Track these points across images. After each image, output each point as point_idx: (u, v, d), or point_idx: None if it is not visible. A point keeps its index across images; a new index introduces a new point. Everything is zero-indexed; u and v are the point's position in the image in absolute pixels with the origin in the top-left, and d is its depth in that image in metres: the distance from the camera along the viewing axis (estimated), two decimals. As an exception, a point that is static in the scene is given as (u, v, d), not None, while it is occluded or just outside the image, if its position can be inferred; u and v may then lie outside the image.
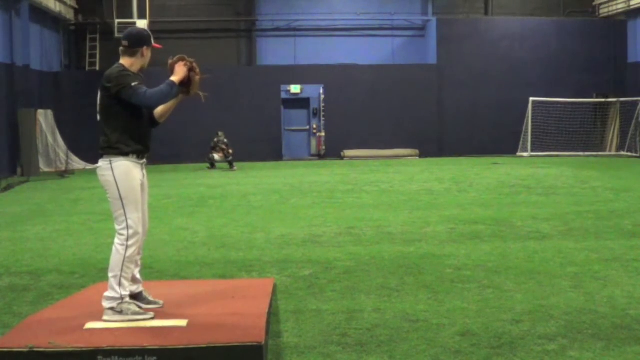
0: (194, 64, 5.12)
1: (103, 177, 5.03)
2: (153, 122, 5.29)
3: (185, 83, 5.08)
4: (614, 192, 14.24)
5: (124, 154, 4.99)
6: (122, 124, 5.01)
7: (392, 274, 7.26)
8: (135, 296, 5.14)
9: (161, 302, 5.25)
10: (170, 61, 5.07)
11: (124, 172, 4.97)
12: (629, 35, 27.88)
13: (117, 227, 5.03)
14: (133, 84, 4.94)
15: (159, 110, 5.24)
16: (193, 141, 25.38)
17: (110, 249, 5.10)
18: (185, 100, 5.41)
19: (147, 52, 5.20)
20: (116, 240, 5.00)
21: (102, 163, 5.03)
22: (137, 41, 5.16)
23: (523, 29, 27.89)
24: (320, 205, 13.04)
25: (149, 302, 5.21)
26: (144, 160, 5.16)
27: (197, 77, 5.13)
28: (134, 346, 4.31)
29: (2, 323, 5.68)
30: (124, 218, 4.97)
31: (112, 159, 4.99)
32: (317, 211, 12.26)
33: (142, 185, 5.14)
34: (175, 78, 5.00)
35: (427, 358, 4.78)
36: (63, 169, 22.90)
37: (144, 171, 5.19)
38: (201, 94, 5.22)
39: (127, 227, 4.96)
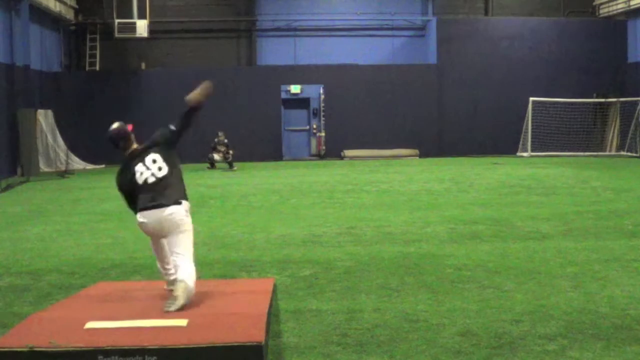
0: None
1: (180, 218, 5.67)
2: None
3: None
4: (614, 192, 14.24)
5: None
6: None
7: (392, 274, 7.26)
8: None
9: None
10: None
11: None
12: (629, 35, 27.87)
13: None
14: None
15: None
16: (193, 141, 25.32)
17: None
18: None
19: (125, 144, 5.78)
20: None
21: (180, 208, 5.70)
22: (114, 143, 5.83)
23: (523, 29, 27.87)
24: (320, 205, 13.04)
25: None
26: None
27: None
28: (134, 346, 4.31)
29: (2, 323, 5.68)
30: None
31: (184, 201, 5.79)
32: (317, 211, 12.26)
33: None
34: None
35: (427, 358, 4.78)
36: (63, 169, 22.88)
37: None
38: None
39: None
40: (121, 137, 5.78)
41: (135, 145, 5.78)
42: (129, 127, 5.85)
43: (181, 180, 5.76)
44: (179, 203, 5.59)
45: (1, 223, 11.65)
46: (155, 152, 5.73)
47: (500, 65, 27.43)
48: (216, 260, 8.13)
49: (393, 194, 14.82)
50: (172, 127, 5.80)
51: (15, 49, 21.91)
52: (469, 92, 27.29)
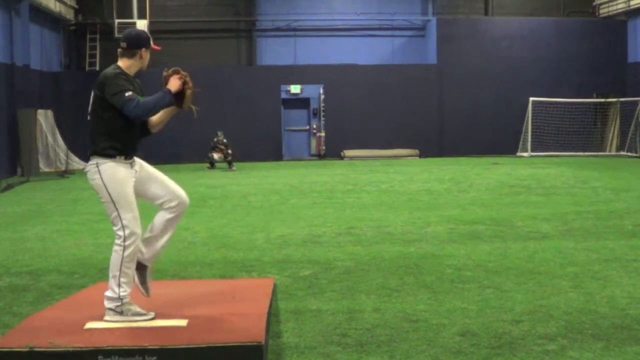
0: (188, 78, 5.07)
1: (92, 181, 5.01)
2: (145, 131, 5.26)
3: (179, 96, 5.06)
4: (614, 192, 14.24)
5: (111, 156, 4.96)
6: (111, 127, 4.96)
7: (392, 274, 7.26)
8: (139, 266, 5.11)
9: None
10: (164, 73, 5.05)
11: (111, 175, 4.94)
12: (629, 35, 27.88)
13: (114, 228, 5.03)
14: (127, 94, 4.85)
15: (154, 120, 5.22)
16: (193, 141, 25.37)
17: (110, 249, 5.11)
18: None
19: (145, 54, 5.12)
20: (115, 241, 5.01)
21: (90, 167, 5.01)
22: (135, 42, 5.09)
23: (523, 29, 27.88)
24: (320, 205, 13.04)
25: (144, 283, 5.17)
26: (133, 159, 5.12)
27: (190, 91, 5.08)
28: (134, 346, 4.31)
29: (2, 323, 5.68)
30: (118, 219, 4.96)
31: (98, 161, 4.96)
32: (317, 211, 12.25)
33: (140, 177, 5.11)
34: (169, 88, 5.00)
35: (427, 358, 4.78)
36: (63, 169, 22.90)
37: (136, 166, 5.14)
38: (193, 108, 5.19)
39: (123, 228, 4.95)
40: (148, 43, 5.10)
41: (125, 64, 5.06)
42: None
43: (106, 130, 4.93)
44: (90, 158, 4.99)
45: (1, 223, 11.64)
46: (96, 90, 4.99)
47: (500, 65, 27.43)
48: (216, 260, 8.13)
49: (393, 194, 14.82)
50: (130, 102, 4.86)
51: (15, 49, 21.92)
52: (469, 92, 27.29)
